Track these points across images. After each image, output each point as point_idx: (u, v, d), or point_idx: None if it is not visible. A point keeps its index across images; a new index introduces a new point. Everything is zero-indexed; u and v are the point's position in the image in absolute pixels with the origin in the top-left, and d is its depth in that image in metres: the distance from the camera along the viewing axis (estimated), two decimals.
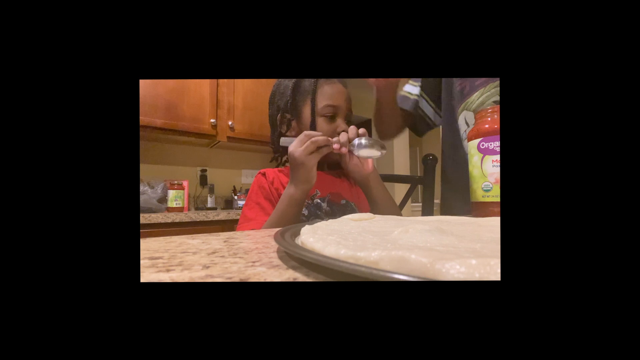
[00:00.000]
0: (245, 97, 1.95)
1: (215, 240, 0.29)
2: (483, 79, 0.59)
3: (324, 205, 0.65)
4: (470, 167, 0.42)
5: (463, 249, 0.16)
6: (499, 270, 0.12)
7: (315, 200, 0.65)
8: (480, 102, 0.59)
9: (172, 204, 1.63)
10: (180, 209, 1.64)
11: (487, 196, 0.39)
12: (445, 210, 0.74)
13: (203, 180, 2.07)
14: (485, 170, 0.39)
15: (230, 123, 1.87)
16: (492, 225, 0.26)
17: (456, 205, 0.68)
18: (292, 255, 0.21)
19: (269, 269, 0.18)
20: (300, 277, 0.17)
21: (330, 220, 0.31)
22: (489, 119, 0.40)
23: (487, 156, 0.39)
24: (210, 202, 1.96)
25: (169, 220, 1.45)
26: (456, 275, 0.12)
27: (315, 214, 0.63)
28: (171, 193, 1.63)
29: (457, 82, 0.65)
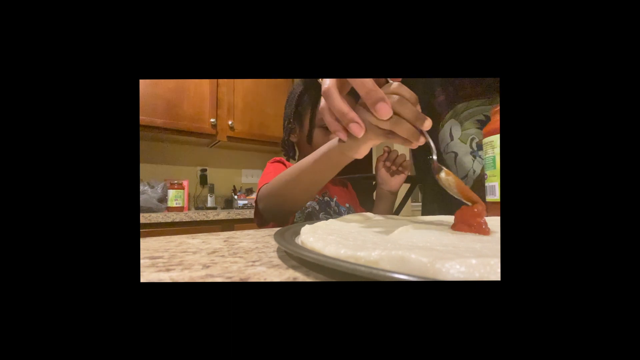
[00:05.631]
0: (245, 96, 1.95)
1: (215, 240, 0.29)
2: (468, 89, 0.58)
3: (333, 204, 0.68)
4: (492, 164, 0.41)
5: (463, 248, 0.16)
6: (499, 270, 0.12)
7: (325, 198, 0.68)
8: (465, 116, 0.59)
9: (172, 203, 1.63)
10: (180, 209, 1.64)
11: None
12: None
13: (203, 180, 2.07)
14: None
15: (230, 122, 1.87)
16: (492, 225, 0.26)
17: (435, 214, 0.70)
18: (292, 255, 0.21)
19: (269, 269, 0.18)
20: (300, 276, 0.17)
21: (330, 220, 0.31)
22: None
23: None
24: (210, 201, 1.96)
25: (169, 220, 1.45)
26: (456, 275, 0.12)
27: (325, 210, 0.66)
28: (171, 193, 1.63)
29: (438, 92, 0.65)
